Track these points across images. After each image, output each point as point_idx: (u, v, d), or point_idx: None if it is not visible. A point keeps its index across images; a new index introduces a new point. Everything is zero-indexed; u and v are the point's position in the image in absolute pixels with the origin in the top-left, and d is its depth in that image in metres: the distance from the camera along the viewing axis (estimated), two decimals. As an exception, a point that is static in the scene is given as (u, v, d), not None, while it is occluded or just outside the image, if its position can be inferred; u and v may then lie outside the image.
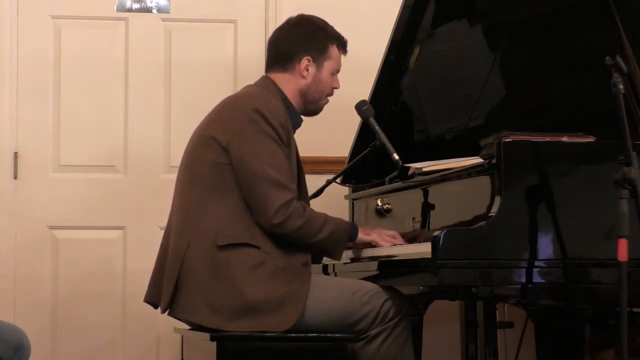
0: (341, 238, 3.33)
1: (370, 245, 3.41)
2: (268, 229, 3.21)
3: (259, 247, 3.23)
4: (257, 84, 3.50)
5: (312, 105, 3.49)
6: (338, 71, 3.50)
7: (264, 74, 3.49)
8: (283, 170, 3.25)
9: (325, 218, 3.30)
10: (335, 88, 3.51)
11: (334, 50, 3.47)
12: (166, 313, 3.37)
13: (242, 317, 3.18)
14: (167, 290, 3.30)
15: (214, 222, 3.25)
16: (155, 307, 3.43)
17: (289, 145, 3.31)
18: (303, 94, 3.45)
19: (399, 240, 3.39)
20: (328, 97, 3.51)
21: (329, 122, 3.67)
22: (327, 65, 3.46)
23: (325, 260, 3.69)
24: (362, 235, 3.38)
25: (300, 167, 3.41)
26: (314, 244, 3.27)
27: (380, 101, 3.99)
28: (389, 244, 3.36)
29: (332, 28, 3.50)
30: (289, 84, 3.44)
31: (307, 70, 3.43)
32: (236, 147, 3.26)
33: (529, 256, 2.95)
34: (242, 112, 3.30)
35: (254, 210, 3.23)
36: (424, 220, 3.50)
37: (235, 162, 3.26)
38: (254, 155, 3.24)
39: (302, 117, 3.50)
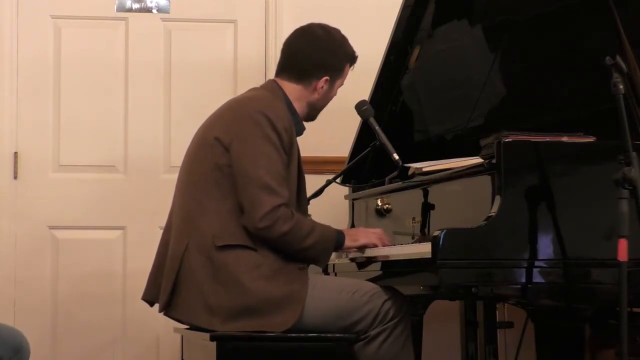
0: (327, 248, 3.32)
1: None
2: (254, 232, 3.21)
3: (256, 250, 3.23)
4: (263, 87, 3.50)
5: (314, 114, 3.52)
6: (342, 84, 3.53)
7: (265, 74, 3.49)
8: (277, 175, 3.24)
9: (313, 226, 3.29)
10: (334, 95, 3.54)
11: (347, 68, 3.50)
12: (164, 313, 3.38)
13: (240, 318, 3.18)
14: (165, 290, 3.30)
15: (213, 223, 3.25)
16: (152, 305, 3.43)
17: (290, 150, 3.31)
18: (311, 106, 3.47)
19: (385, 238, 3.41)
20: None
21: (329, 122, 3.67)
22: (338, 83, 3.49)
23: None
24: (349, 243, 3.38)
25: (301, 174, 3.41)
26: (299, 250, 3.26)
27: (380, 101, 4.00)
28: (379, 244, 3.38)
29: (349, 44, 3.51)
30: (299, 94, 3.44)
31: (322, 88, 3.44)
32: (236, 148, 3.26)
33: (529, 256, 2.95)
34: (246, 114, 3.30)
35: (243, 213, 3.23)
36: (424, 220, 3.50)
37: (234, 163, 3.26)
38: (250, 157, 3.24)
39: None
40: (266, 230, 3.20)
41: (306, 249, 3.26)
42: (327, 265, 3.72)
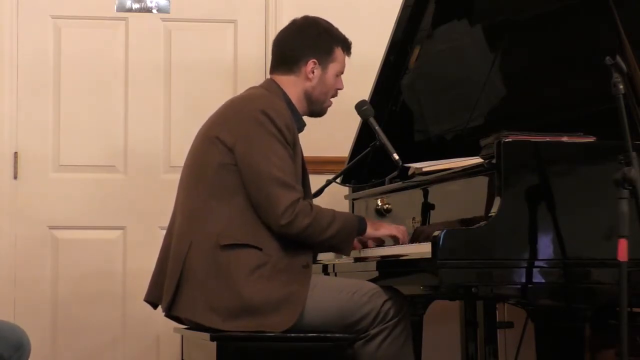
0: (350, 234, 3.31)
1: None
2: (276, 229, 3.21)
3: (261, 249, 3.23)
4: (261, 85, 3.51)
5: (317, 106, 3.50)
6: (342, 73, 3.51)
7: (265, 74, 3.50)
8: (289, 170, 3.25)
9: (333, 215, 3.29)
10: (339, 89, 3.52)
11: (339, 52, 3.49)
12: (167, 313, 3.38)
13: (240, 318, 3.18)
14: (169, 290, 3.30)
15: (218, 222, 3.25)
16: (155, 306, 3.43)
17: (294, 147, 3.32)
18: (308, 96, 3.46)
19: (405, 236, 3.39)
20: (331, 99, 3.52)
21: (329, 122, 3.67)
22: (332, 68, 3.47)
23: (325, 260, 3.70)
24: (370, 231, 3.37)
25: (304, 170, 3.41)
26: (322, 241, 3.27)
27: (380, 101, 4.00)
28: (400, 236, 3.37)
29: (337, 30, 3.51)
30: (294, 86, 3.44)
31: (313, 72, 3.44)
32: (242, 149, 3.26)
33: (529, 256, 2.95)
34: (248, 114, 3.30)
35: (262, 212, 3.23)
36: (424, 221, 3.50)
37: (241, 164, 3.26)
38: (260, 156, 3.24)
39: (307, 117, 3.51)
40: (289, 226, 3.19)
41: (329, 239, 3.26)
42: (327, 265, 3.73)
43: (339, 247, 3.32)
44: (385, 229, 3.40)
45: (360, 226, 3.34)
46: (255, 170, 3.24)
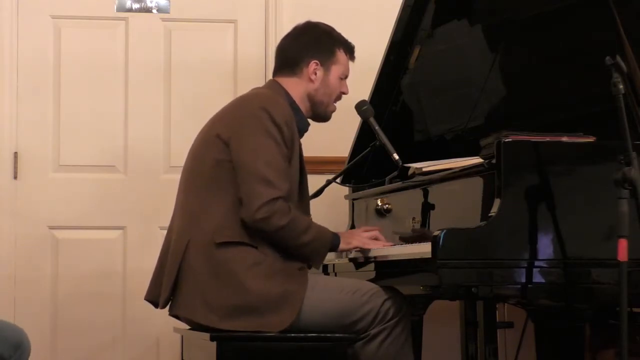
0: (323, 246, 3.32)
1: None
2: (251, 224, 3.21)
3: (256, 247, 3.23)
4: (265, 86, 3.52)
5: (320, 109, 3.50)
6: (346, 76, 3.52)
7: (265, 74, 3.51)
8: (276, 168, 3.24)
9: (310, 224, 3.29)
10: (344, 93, 3.52)
11: (341, 55, 3.49)
12: (166, 311, 3.38)
13: (238, 316, 3.19)
14: (167, 287, 3.31)
15: (214, 219, 3.26)
16: (156, 305, 3.44)
17: (292, 146, 3.31)
18: (311, 98, 3.47)
19: (381, 239, 3.40)
20: (336, 103, 3.52)
21: (329, 122, 3.67)
22: (335, 70, 3.48)
23: (325, 260, 3.70)
24: (343, 246, 3.38)
25: (303, 170, 3.41)
26: (295, 247, 3.26)
27: (380, 101, 4.00)
28: (375, 246, 3.38)
29: (338, 33, 3.52)
30: (297, 87, 3.45)
31: (315, 74, 3.45)
32: (235, 142, 3.27)
33: (529, 256, 2.95)
34: (247, 110, 3.32)
35: (242, 206, 3.23)
36: (424, 220, 3.50)
37: (233, 157, 3.27)
38: (249, 150, 3.25)
39: (310, 121, 3.52)
40: (263, 222, 3.19)
41: (302, 246, 3.26)
42: (327, 265, 3.73)
43: (310, 258, 3.32)
44: (356, 241, 3.40)
45: (333, 242, 3.35)
46: (242, 164, 3.24)
